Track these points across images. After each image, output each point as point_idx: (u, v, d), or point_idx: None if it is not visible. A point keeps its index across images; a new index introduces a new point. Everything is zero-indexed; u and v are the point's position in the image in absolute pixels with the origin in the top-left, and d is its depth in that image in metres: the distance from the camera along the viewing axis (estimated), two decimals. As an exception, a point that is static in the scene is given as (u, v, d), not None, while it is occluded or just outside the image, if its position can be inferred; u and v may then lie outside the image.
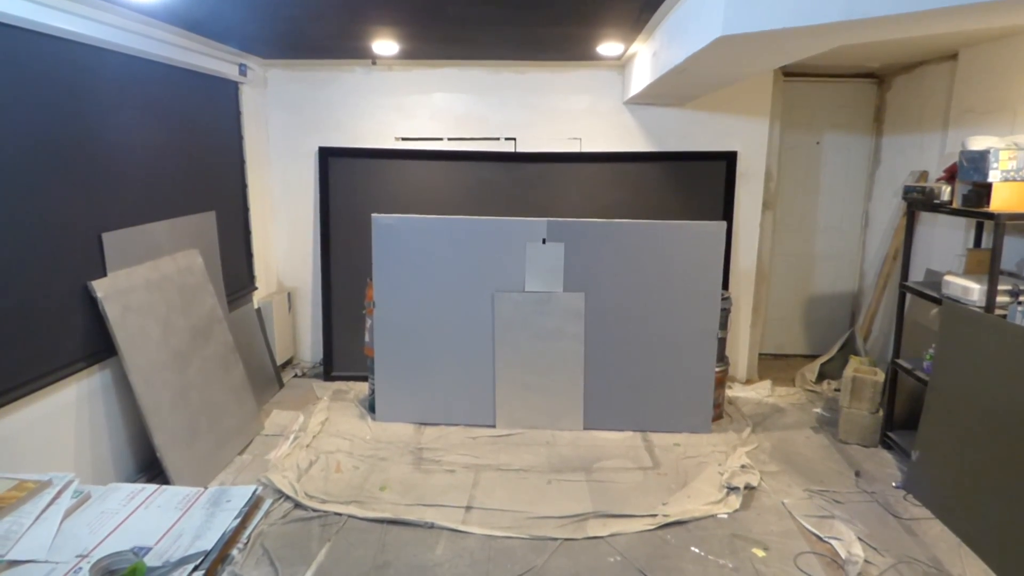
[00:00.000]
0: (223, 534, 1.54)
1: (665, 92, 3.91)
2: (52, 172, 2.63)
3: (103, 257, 2.90)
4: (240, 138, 4.24)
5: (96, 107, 2.88)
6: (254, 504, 1.70)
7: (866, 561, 2.61)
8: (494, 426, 3.88)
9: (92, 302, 2.81)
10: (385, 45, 3.84)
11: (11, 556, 1.46)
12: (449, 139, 4.61)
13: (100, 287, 2.83)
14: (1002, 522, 2.57)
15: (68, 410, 2.74)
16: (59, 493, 1.67)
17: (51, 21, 2.53)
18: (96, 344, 2.85)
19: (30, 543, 1.50)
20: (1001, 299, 2.90)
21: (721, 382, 3.99)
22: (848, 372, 3.73)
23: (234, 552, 1.57)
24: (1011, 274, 3.21)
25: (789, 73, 4.61)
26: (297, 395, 4.38)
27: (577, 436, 3.79)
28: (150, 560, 1.45)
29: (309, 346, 4.95)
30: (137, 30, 3.05)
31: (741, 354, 4.77)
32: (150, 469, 3.14)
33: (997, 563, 2.55)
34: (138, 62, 3.15)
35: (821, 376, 4.65)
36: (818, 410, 4.20)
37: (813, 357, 4.92)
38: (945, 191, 3.20)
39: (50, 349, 2.62)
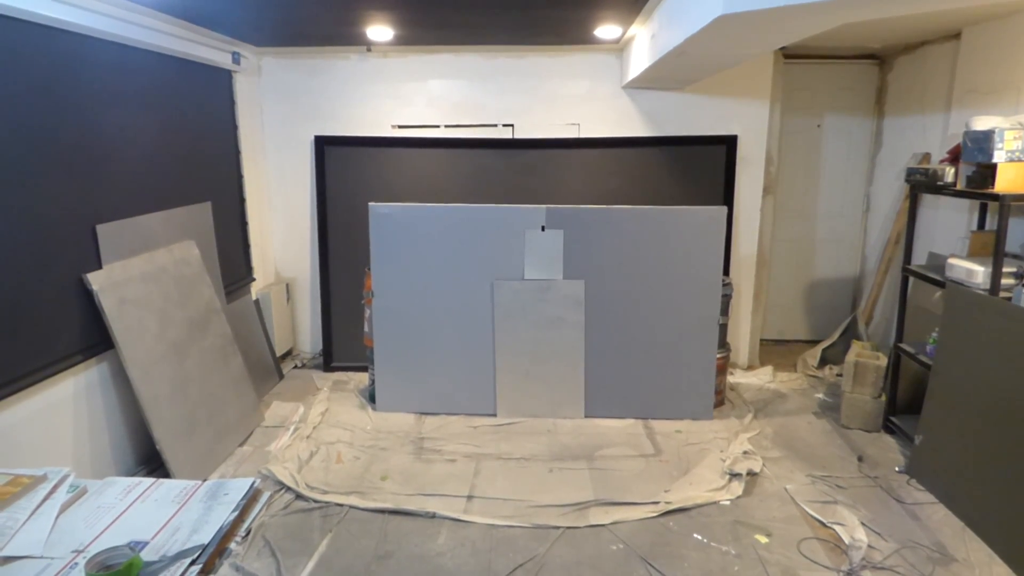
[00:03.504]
0: (221, 527, 1.53)
1: (664, 76, 3.86)
2: (44, 164, 2.59)
3: (98, 249, 2.87)
4: (235, 127, 4.19)
5: (87, 97, 2.83)
6: (252, 496, 1.68)
7: (869, 546, 2.60)
8: (495, 415, 3.87)
9: (87, 295, 2.79)
10: (380, 31, 3.78)
11: (6, 552, 1.44)
12: (446, 126, 4.56)
13: (95, 280, 2.80)
14: (1006, 506, 2.56)
15: (65, 404, 2.72)
16: (55, 488, 1.65)
17: (40, 10, 2.49)
18: (93, 337, 2.83)
19: (25, 538, 1.48)
20: (1005, 281, 2.86)
21: (722, 368, 3.97)
22: (850, 357, 3.71)
23: (232, 545, 1.56)
24: (1015, 256, 3.17)
25: (789, 55, 4.55)
26: (297, 386, 4.37)
27: (578, 424, 3.78)
28: (147, 555, 1.43)
29: (308, 337, 4.93)
30: (127, 18, 2.99)
31: (742, 340, 4.75)
32: (150, 462, 3.13)
33: (1001, 547, 2.55)
34: (129, 51, 3.10)
35: (823, 361, 4.64)
36: (820, 395, 4.19)
37: (815, 342, 4.90)
38: (948, 173, 3.16)
39: (45, 343, 2.60)
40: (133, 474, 3.06)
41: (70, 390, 2.75)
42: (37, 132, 2.55)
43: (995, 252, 2.83)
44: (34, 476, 1.70)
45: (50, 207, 2.62)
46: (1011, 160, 2.77)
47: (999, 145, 2.77)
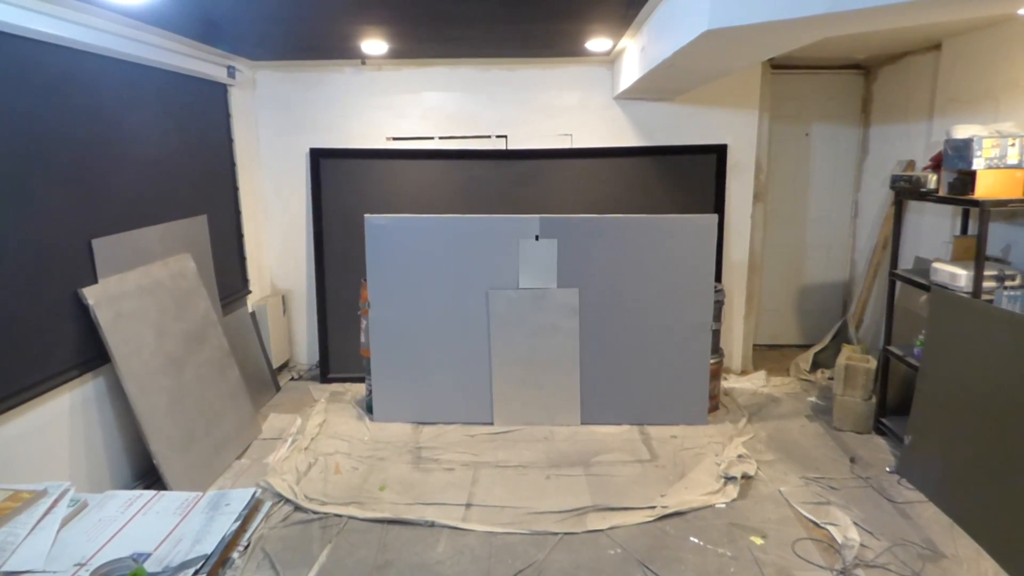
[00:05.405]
0: (223, 537, 1.55)
1: (654, 87, 3.93)
2: (40, 178, 2.61)
3: (93, 264, 2.88)
4: (230, 141, 4.22)
5: (83, 112, 2.85)
6: (254, 507, 1.70)
7: (862, 545, 2.64)
8: (492, 423, 3.89)
9: (83, 309, 2.80)
10: (374, 44, 3.83)
11: (8, 567, 1.45)
12: (440, 138, 4.61)
13: (91, 294, 2.81)
14: (993, 502, 2.61)
15: (62, 419, 2.73)
16: (55, 502, 1.66)
17: (35, 25, 2.51)
18: (89, 351, 2.84)
19: (27, 553, 1.49)
20: (987, 284, 2.93)
21: (716, 374, 4.01)
22: (841, 360, 3.77)
23: (235, 555, 1.58)
24: (997, 260, 3.24)
25: (777, 66, 4.64)
26: (294, 398, 4.37)
27: (575, 431, 3.80)
28: (150, 566, 1.45)
29: (305, 348, 4.94)
30: (123, 33, 3.03)
31: (735, 345, 4.80)
32: (147, 476, 3.13)
33: (988, 542, 2.59)
34: (125, 66, 3.13)
35: (815, 365, 4.69)
36: (812, 399, 4.23)
37: (806, 347, 4.96)
38: (931, 180, 3.23)
39: (42, 358, 2.60)
40: (130, 489, 3.06)
41: (66, 405, 2.75)
42: (33, 147, 2.57)
43: (977, 256, 2.90)
44: (34, 491, 1.71)
45: (46, 221, 2.63)
46: (989, 167, 2.85)
47: (978, 153, 2.84)
